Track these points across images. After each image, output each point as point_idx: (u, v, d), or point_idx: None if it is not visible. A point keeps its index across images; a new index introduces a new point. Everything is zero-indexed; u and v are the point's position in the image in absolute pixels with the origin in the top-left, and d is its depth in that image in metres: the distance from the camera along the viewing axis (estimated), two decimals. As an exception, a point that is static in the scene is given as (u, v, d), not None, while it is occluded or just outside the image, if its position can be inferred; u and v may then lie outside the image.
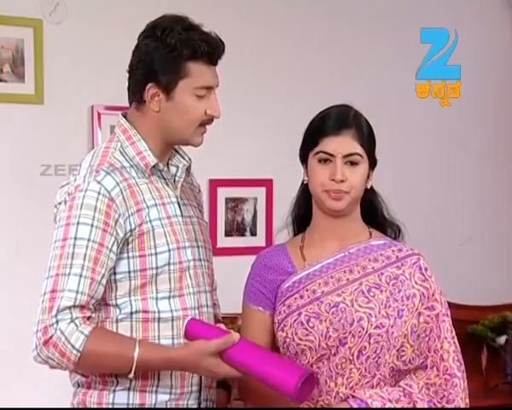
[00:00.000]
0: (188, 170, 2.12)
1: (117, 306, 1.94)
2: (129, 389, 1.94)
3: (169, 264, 1.96)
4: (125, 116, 2.05)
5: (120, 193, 1.92)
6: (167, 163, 2.07)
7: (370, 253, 2.00)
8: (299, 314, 1.95)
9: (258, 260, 2.06)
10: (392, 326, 1.92)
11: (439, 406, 1.93)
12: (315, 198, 2.00)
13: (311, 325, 1.93)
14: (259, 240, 3.62)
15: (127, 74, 2.03)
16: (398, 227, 2.09)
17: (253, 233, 3.66)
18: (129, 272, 1.93)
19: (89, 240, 1.87)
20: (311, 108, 2.06)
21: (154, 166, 2.00)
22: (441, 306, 1.97)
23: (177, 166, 2.08)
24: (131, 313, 1.94)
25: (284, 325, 1.96)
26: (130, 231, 1.92)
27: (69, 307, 1.83)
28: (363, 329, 1.91)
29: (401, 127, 3.84)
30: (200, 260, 2.06)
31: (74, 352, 1.82)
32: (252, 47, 3.58)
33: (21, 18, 3.23)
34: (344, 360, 1.92)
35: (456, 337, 1.99)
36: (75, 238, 1.87)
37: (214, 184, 3.55)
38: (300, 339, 1.93)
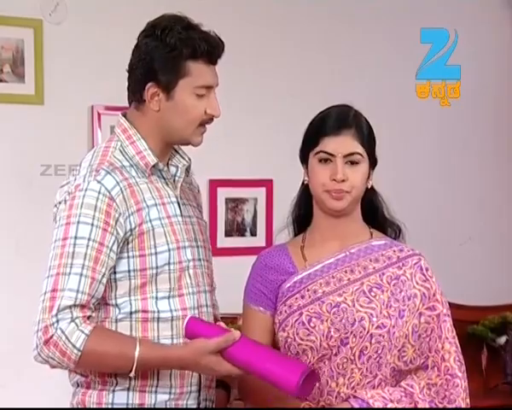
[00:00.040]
0: (187, 170, 2.12)
1: (117, 305, 1.94)
2: (128, 389, 1.94)
3: (169, 264, 1.96)
4: (124, 116, 2.05)
5: (120, 192, 1.92)
6: (167, 163, 2.07)
7: (371, 253, 2.00)
8: (301, 314, 1.94)
9: (259, 261, 2.06)
10: (394, 326, 1.92)
11: (440, 406, 1.93)
12: (316, 198, 2.00)
13: (312, 324, 1.93)
14: (259, 240, 3.62)
15: (127, 74, 2.03)
16: (398, 227, 2.09)
17: (253, 233, 3.65)
18: (129, 271, 1.93)
19: (89, 239, 1.87)
20: (311, 108, 2.06)
21: (153, 166, 2.00)
22: (442, 306, 1.97)
23: (177, 166, 2.08)
24: (131, 313, 1.94)
25: (285, 325, 1.96)
26: (131, 230, 1.92)
27: (70, 307, 1.83)
28: (365, 329, 1.91)
29: (401, 127, 3.84)
30: (199, 259, 2.06)
31: (75, 351, 1.82)
32: (252, 47, 3.58)
33: (21, 18, 3.23)
34: (345, 360, 1.92)
35: (456, 338, 1.99)
36: (75, 238, 1.87)
37: (214, 185, 3.55)
38: (302, 339, 1.93)
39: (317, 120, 2.01)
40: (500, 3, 4.06)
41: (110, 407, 1.94)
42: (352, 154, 1.94)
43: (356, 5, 3.76)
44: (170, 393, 1.97)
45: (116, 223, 1.90)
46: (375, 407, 1.88)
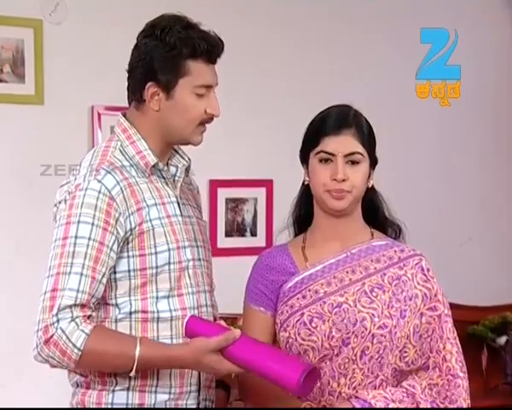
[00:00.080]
0: (187, 170, 2.12)
1: (116, 305, 1.94)
2: (128, 388, 1.94)
3: (169, 263, 1.96)
4: (124, 116, 2.05)
5: (121, 192, 1.92)
6: (167, 163, 2.07)
7: (372, 253, 2.00)
8: (302, 314, 1.94)
9: (260, 261, 2.06)
10: (396, 327, 1.92)
11: (441, 406, 1.93)
12: (316, 198, 2.00)
13: (313, 325, 1.93)
14: (260, 240, 3.61)
15: (127, 74, 2.03)
16: (398, 227, 2.09)
17: (254, 234, 3.65)
18: (129, 271, 1.93)
19: (89, 239, 1.87)
20: (311, 108, 2.06)
21: (153, 166, 2.00)
22: (443, 306, 1.97)
23: (177, 166, 2.08)
24: (131, 313, 1.94)
25: (287, 326, 1.96)
26: (131, 230, 1.92)
27: (70, 306, 1.83)
28: (367, 329, 1.91)
29: (401, 127, 3.84)
30: (199, 259, 2.06)
31: (75, 351, 1.82)
32: (252, 47, 3.58)
33: (21, 18, 3.23)
34: (347, 361, 1.92)
35: (457, 338, 1.99)
36: (76, 237, 1.87)
37: (214, 185, 3.55)
38: (303, 339, 1.93)
39: (318, 120, 2.01)
40: (500, 3, 4.06)
41: (110, 407, 1.94)
42: (352, 153, 1.94)
43: (356, 5, 3.76)
44: (169, 393, 1.97)
45: (116, 222, 1.90)
46: (377, 407, 1.88)
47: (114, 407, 1.94)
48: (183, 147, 2.11)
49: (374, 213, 2.07)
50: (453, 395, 1.93)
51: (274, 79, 3.63)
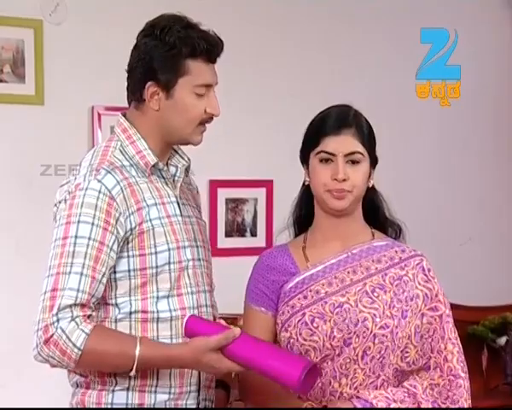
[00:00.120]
0: (187, 170, 2.12)
1: (116, 305, 1.94)
2: (128, 388, 1.94)
3: (169, 263, 1.96)
4: (124, 115, 2.05)
5: (121, 192, 1.92)
6: (166, 163, 2.07)
7: (373, 254, 2.00)
8: (304, 315, 1.94)
9: (261, 261, 2.06)
10: (397, 327, 1.92)
11: (443, 406, 1.93)
12: (317, 198, 2.00)
13: (315, 325, 1.93)
14: (260, 241, 3.61)
15: (127, 74, 2.03)
16: (398, 227, 2.09)
17: (254, 234, 3.65)
18: (129, 270, 1.93)
19: (89, 238, 1.87)
20: (311, 108, 2.06)
21: (153, 166, 2.00)
22: (445, 307, 1.97)
23: (177, 166, 2.08)
24: (130, 313, 1.94)
25: (288, 326, 1.96)
26: (131, 229, 1.92)
27: (70, 306, 1.83)
28: (368, 329, 1.91)
29: (401, 127, 3.84)
30: (199, 259, 2.06)
31: (75, 350, 1.82)
32: (252, 47, 3.58)
33: (22, 18, 3.23)
34: (348, 361, 1.92)
35: (459, 338, 1.99)
36: (76, 237, 1.87)
37: (214, 185, 3.55)
38: (305, 339, 1.93)
39: (318, 120, 2.01)
40: (500, 3, 4.06)
41: (110, 407, 1.94)
42: (352, 153, 1.94)
43: (356, 5, 3.76)
44: (169, 393, 1.97)
45: (116, 222, 1.90)
46: (379, 407, 1.88)
47: (114, 407, 1.94)
48: (182, 147, 2.11)
49: (374, 212, 2.07)
50: (454, 396, 1.93)
51: (274, 79, 3.63)
